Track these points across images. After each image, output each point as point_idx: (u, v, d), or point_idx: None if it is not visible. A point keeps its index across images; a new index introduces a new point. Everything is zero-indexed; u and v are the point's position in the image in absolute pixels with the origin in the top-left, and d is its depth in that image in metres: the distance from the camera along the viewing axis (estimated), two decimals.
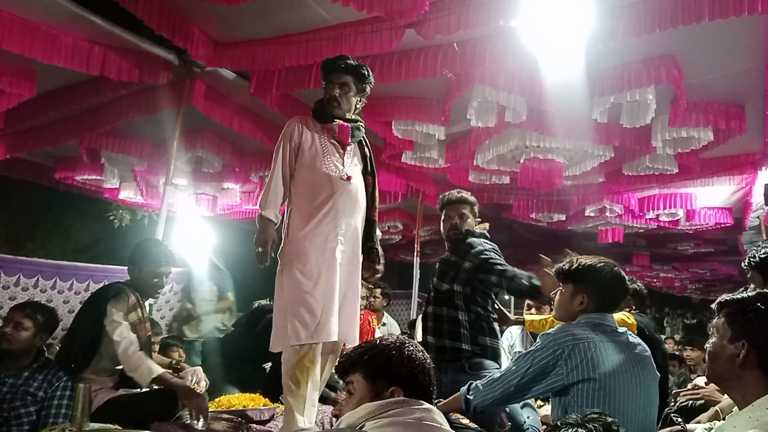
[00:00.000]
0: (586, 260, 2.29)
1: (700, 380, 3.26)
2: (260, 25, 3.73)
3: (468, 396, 2.22)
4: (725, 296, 1.71)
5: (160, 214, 4.49)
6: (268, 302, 4.03)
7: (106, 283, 3.22)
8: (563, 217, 7.85)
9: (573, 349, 2.05)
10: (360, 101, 2.89)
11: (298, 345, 2.55)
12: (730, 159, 5.56)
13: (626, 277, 2.32)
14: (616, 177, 6.11)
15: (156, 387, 2.89)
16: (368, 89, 2.89)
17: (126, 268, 3.10)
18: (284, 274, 2.65)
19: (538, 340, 2.18)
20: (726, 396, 2.40)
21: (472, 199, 3.34)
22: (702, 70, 3.91)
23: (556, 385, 2.06)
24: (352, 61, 2.83)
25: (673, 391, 2.95)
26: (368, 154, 2.93)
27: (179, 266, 5.00)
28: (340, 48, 3.49)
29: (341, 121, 2.79)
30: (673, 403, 3.15)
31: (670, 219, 7.58)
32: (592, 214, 7.57)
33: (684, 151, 4.83)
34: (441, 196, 3.38)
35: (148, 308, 3.27)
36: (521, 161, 5.53)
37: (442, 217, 3.32)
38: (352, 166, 2.83)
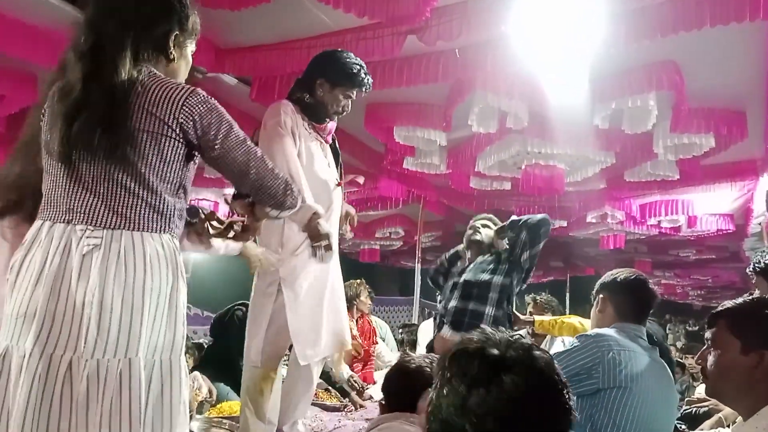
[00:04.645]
0: (613, 271, 2.32)
1: (701, 388, 3.25)
2: (262, 30, 3.74)
3: None
4: (719, 308, 1.62)
5: None
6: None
7: None
8: (565, 224, 7.84)
9: (612, 354, 2.04)
10: None
11: None
12: (732, 165, 5.54)
13: (650, 285, 2.31)
14: (618, 183, 6.10)
15: None
16: None
17: None
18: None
19: (575, 340, 2.16)
20: None
21: (496, 219, 3.64)
22: (703, 76, 3.90)
23: (590, 389, 2.04)
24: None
25: (686, 399, 2.96)
26: (338, 150, 2.82)
27: None
28: None
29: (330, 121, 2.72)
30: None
31: (672, 225, 7.57)
32: (594, 221, 7.57)
33: (685, 157, 4.81)
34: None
35: None
36: (522, 167, 5.52)
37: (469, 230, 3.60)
38: (332, 167, 2.74)
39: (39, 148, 1.64)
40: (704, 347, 1.63)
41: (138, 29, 1.56)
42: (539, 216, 3.25)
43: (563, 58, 3.52)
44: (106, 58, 1.51)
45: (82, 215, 1.50)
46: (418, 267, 7.23)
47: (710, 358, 1.58)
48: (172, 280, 1.55)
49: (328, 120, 2.69)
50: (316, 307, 2.55)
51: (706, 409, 2.78)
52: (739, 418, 1.60)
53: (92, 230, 1.48)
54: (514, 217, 3.38)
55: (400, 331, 6.98)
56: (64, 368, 1.43)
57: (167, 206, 1.56)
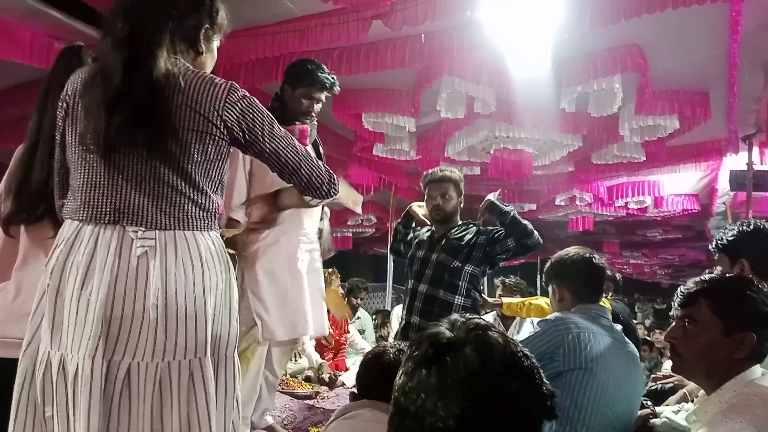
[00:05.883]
0: (555, 257, 2.33)
1: (669, 364, 3.32)
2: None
3: None
4: (698, 283, 1.59)
5: None
6: None
7: None
8: (534, 207, 7.92)
9: (572, 336, 2.05)
10: None
11: None
12: (696, 146, 5.66)
13: (596, 260, 2.33)
14: (585, 166, 6.18)
15: None
16: None
17: None
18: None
19: (536, 326, 2.18)
20: None
21: (456, 175, 3.24)
22: (666, 58, 3.95)
23: (553, 372, 2.05)
24: (332, 75, 2.74)
25: (651, 377, 3.03)
26: (321, 152, 2.89)
27: None
28: (306, 40, 3.45)
29: (301, 124, 2.72)
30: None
31: (639, 206, 7.71)
32: (563, 203, 7.66)
33: (651, 139, 4.89)
34: (423, 174, 3.30)
35: None
36: (491, 152, 5.55)
37: (425, 197, 3.22)
38: None
39: (52, 147, 1.60)
40: (675, 324, 1.62)
41: (173, 19, 1.51)
42: (535, 237, 3.00)
43: (529, 43, 3.53)
44: (144, 46, 1.45)
45: (132, 216, 1.43)
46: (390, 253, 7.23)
47: (687, 337, 1.57)
48: (225, 277, 1.54)
49: (296, 122, 2.70)
50: (279, 291, 2.59)
51: (671, 385, 2.83)
52: (702, 392, 1.62)
53: (144, 231, 1.43)
54: (509, 209, 3.04)
55: (374, 317, 7.00)
56: (123, 374, 1.39)
57: (212, 204, 1.53)
